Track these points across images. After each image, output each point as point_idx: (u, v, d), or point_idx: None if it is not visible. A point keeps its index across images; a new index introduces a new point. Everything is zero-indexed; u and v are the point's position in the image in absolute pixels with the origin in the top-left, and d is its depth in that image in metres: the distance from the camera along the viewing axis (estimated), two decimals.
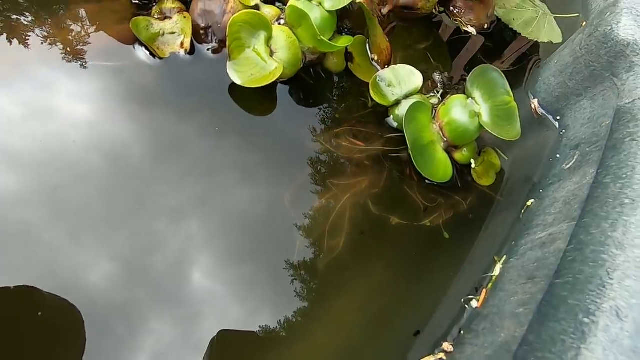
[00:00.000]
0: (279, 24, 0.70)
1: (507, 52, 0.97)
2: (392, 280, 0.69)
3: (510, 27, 0.94)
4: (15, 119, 0.67)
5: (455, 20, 0.92)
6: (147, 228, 0.64)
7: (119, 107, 0.70)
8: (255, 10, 0.66)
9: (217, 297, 0.63)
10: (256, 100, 0.75)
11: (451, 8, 0.92)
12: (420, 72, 0.75)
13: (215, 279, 0.64)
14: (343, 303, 0.65)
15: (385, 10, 0.82)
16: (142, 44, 0.71)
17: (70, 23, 0.79)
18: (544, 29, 0.93)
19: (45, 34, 0.76)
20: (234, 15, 0.63)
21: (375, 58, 0.76)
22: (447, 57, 0.90)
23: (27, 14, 0.77)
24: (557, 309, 0.47)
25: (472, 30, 0.89)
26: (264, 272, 0.65)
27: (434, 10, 0.91)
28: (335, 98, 0.82)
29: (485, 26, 0.92)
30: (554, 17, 0.96)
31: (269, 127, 0.75)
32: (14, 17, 0.76)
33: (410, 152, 0.68)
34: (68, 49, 0.75)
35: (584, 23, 0.82)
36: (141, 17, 0.68)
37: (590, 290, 0.45)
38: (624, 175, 0.54)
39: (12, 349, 0.55)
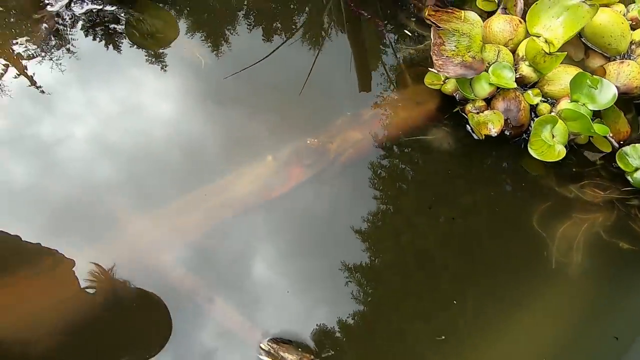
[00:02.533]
0: (554, 114, 1.06)
1: None
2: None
3: None
4: None
5: None
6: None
7: (442, 162, 1.11)
8: (552, 115, 1.03)
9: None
10: (541, 168, 1.13)
11: None
12: None
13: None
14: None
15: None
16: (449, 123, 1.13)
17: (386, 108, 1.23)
18: None
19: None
20: (540, 117, 1.03)
21: (612, 135, 1.08)
22: None
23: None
24: None
25: None
26: None
27: None
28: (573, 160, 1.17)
29: None
30: None
31: (545, 182, 1.12)
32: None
33: None
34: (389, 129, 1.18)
35: None
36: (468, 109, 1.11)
37: None
38: None
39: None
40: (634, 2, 1.34)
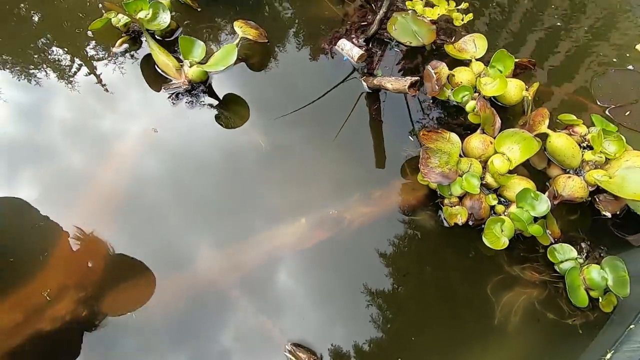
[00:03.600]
0: (505, 214, 1.46)
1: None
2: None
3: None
4: None
5: (598, 207, 1.55)
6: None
7: (424, 237, 1.55)
8: (500, 217, 1.45)
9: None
10: (494, 250, 1.54)
11: (597, 200, 1.56)
12: (572, 242, 1.43)
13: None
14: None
15: (555, 202, 1.52)
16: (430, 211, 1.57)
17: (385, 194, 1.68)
18: None
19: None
20: (492, 217, 1.46)
21: (550, 233, 1.46)
22: (590, 230, 1.55)
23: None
24: None
25: (608, 214, 1.52)
26: None
27: (584, 200, 1.56)
28: (523, 247, 1.55)
29: (618, 212, 1.54)
30: None
31: (498, 261, 1.53)
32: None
33: (567, 288, 1.40)
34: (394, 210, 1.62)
35: None
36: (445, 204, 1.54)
37: None
38: None
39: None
40: (594, 126, 1.73)
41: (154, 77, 1.91)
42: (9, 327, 1.43)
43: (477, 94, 1.84)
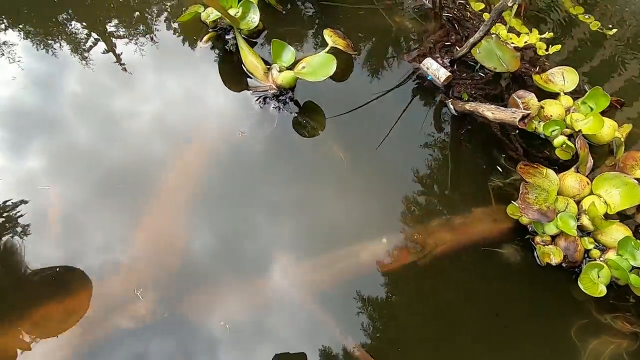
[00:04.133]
0: (601, 260, 1.42)
1: None
2: None
3: None
4: None
5: None
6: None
7: (509, 272, 1.51)
8: (599, 262, 1.42)
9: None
10: (585, 294, 1.48)
11: None
12: None
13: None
14: None
15: None
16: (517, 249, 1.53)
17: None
18: None
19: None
20: (591, 262, 1.43)
21: None
22: None
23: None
24: None
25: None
26: None
27: None
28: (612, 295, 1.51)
29: None
30: None
31: (586, 306, 1.49)
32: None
33: None
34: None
35: None
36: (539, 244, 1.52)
37: None
38: None
39: None
40: None
41: (239, 77, 1.86)
42: None
43: (567, 129, 1.81)
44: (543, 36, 2.18)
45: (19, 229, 1.49)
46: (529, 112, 1.41)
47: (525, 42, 2.08)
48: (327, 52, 1.81)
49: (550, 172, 1.53)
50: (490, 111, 1.54)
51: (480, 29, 1.80)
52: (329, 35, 1.88)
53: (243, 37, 1.88)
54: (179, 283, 1.45)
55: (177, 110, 1.78)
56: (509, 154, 1.80)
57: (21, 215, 1.51)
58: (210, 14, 1.91)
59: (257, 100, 1.76)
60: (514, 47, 2.11)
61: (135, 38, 1.96)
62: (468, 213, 1.71)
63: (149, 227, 1.56)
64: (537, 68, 2.07)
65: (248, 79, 1.86)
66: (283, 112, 1.76)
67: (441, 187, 1.76)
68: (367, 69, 2.03)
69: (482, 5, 2.32)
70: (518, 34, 2.15)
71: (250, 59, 1.80)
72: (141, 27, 2.01)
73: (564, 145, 1.76)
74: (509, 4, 1.56)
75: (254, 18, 1.86)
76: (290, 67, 1.82)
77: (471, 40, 1.85)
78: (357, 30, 2.13)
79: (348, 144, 1.77)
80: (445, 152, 1.85)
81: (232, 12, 1.85)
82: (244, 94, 1.83)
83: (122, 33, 1.97)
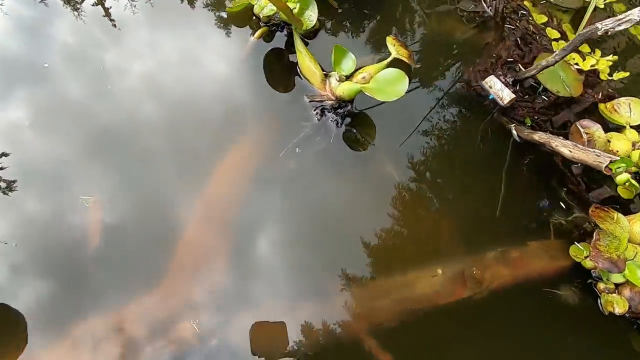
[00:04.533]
0: None
1: None
2: None
3: None
4: None
5: None
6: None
7: (568, 316, 1.46)
8: None
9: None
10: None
11: None
12: None
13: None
14: None
15: None
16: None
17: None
18: None
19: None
20: None
21: None
22: None
23: None
24: None
25: None
26: None
27: None
28: None
29: None
30: None
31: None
32: None
33: None
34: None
35: None
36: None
37: None
38: None
39: None
40: None
41: (292, 80, 1.73)
42: None
43: (634, 167, 1.73)
44: (608, 58, 2.07)
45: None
46: (616, 158, 1.33)
47: (592, 65, 1.98)
48: (389, 63, 1.68)
49: (621, 217, 1.47)
50: (566, 148, 1.45)
51: (557, 52, 1.68)
52: (392, 44, 1.74)
53: (300, 38, 1.74)
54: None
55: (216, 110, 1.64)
56: (569, 187, 1.75)
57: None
58: (264, 7, 1.74)
59: (314, 110, 1.63)
60: (577, 70, 2.01)
61: (180, 28, 1.80)
62: (523, 247, 1.65)
63: None
64: (600, 95, 1.98)
65: (297, 78, 1.73)
66: (341, 127, 1.64)
67: (495, 216, 1.70)
68: (424, 80, 1.91)
69: (545, 19, 2.19)
70: (583, 57, 2.04)
71: (307, 63, 1.66)
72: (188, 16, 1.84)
73: (627, 184, 1.70)
74: (599, 33, 1.45)
75: (311, 16, 1.71)
76: (349, 76, 1.69)
77: (543, 62, 1.73)
78: (413, 34, 2.00)
79: (398, 162, 1.67)
80: (500, 178, 1.77)
81: (290, 6, 1.70)
82: (300, 101, 1.69)
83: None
